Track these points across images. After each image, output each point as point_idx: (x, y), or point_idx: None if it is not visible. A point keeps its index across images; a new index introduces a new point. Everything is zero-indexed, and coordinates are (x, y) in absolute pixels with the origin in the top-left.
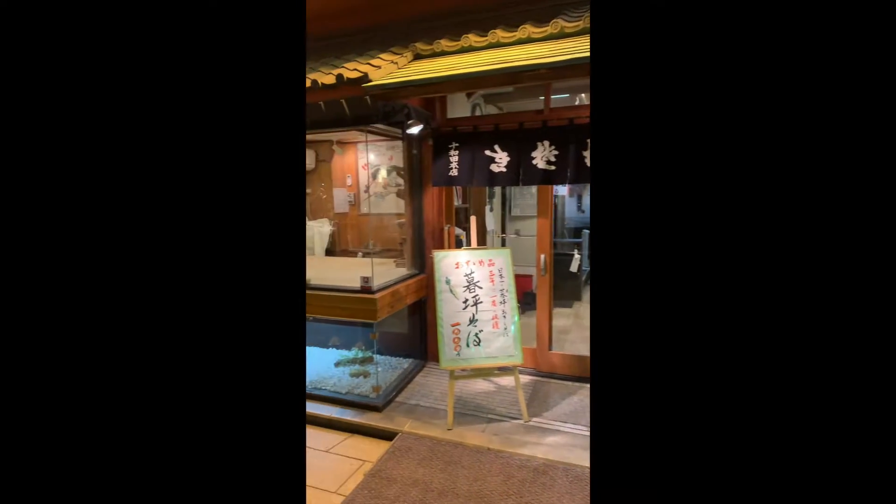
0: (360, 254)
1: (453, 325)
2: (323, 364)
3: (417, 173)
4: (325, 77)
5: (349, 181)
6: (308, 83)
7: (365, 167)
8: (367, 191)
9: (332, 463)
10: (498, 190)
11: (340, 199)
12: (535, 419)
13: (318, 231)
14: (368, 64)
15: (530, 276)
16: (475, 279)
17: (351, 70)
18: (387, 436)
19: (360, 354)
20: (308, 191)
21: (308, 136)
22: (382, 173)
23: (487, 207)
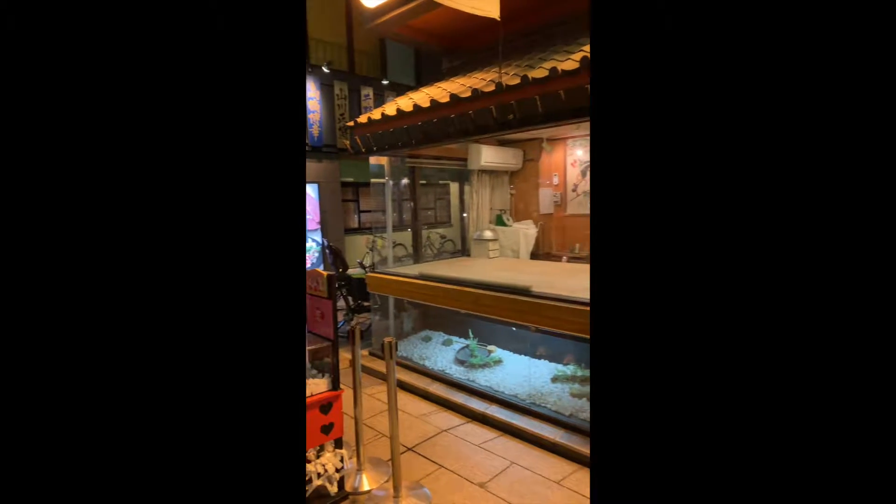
0: (564, 258)
1: None
2: (537, 377)
3: None
4: (536, 72)
5: (555, 180)
6: (517, 80)
7: (574, 164)
8: (574, 189)
9: (565, 499)
10: None
11: (546, 199)
12: None
13: (523, 233)
14: (582, 51)
15: None
16: None
17: (563, 61)
18: None
19: (579, 372)
20: (512, 191)
21: (516, 136)
22: None
23: None
